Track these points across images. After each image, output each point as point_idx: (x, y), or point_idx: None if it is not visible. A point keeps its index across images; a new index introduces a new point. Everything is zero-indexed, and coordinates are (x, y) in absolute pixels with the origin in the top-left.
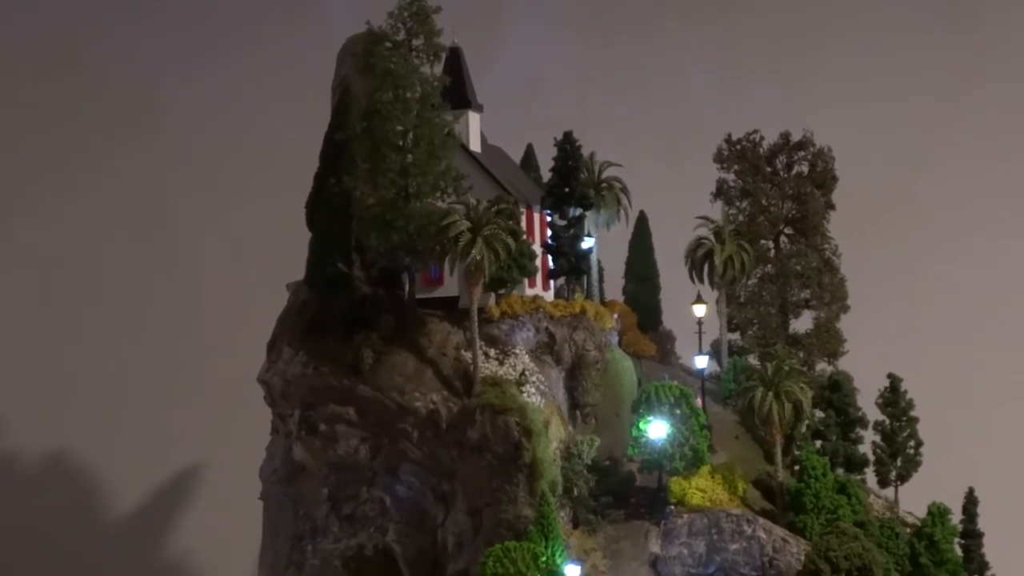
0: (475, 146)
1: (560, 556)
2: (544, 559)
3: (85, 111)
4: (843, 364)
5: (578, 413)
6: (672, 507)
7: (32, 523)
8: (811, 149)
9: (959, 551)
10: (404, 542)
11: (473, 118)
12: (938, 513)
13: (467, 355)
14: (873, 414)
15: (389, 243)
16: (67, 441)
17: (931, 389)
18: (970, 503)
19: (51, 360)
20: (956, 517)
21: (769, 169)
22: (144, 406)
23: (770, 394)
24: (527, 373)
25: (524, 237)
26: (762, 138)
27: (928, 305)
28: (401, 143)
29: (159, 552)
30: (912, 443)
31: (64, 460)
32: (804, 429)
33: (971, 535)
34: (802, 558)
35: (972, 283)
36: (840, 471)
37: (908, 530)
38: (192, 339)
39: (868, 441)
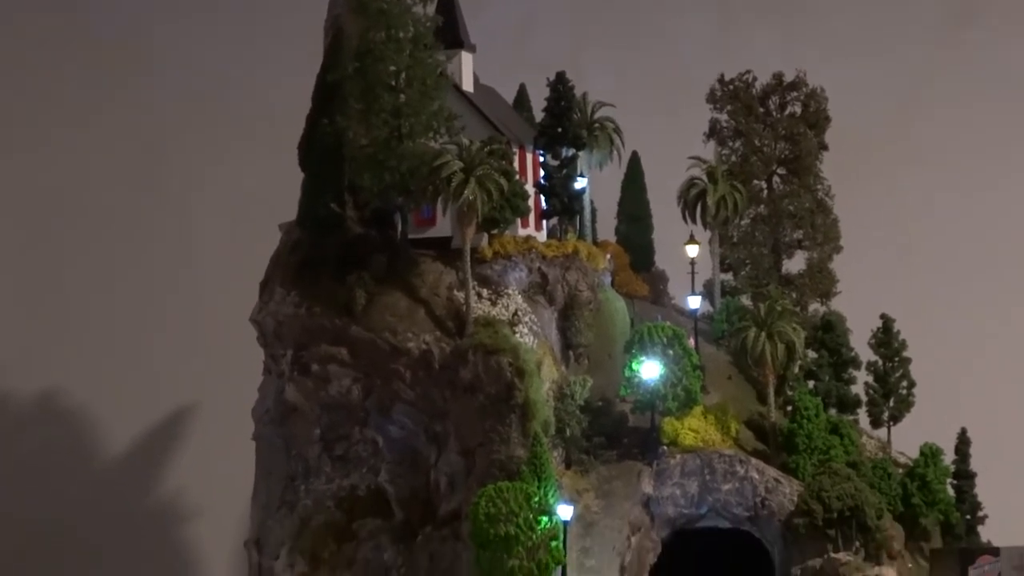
0: (468, 86)
1: (552, 496)
2: (536, 499)
3: (77, 53)
4: (836, 304)
5: (571, 354)
6: (665, 447)
7: (24, 464)
8: (804, 89)
9: (951, 491)
10: (396, 482)
11: (466, 58)
12: (930, 453)
13: (459, 295)
14: (866, 354)
15: (382, 183)
16: (59, 381)
17: (924, 329)
18: (962, 443)
19: (44, 300)
20: (948, 457)
21: (762, 109)
22: (137, 346)
23: (763, 334)
24: (520, 313)
25: (517, 177)
26: (755, 78)
27: (921, 246)
28: (394, 83)
29: (152, 491)
30: (905, 383)
31: (56, 400)
32: (797, 370)
33: (963, 475)
34: (794, 498)
35: (965, 224)
36: (833, 411)
37: (900, 470)
38: (185, 279)
39: (861, 382)
